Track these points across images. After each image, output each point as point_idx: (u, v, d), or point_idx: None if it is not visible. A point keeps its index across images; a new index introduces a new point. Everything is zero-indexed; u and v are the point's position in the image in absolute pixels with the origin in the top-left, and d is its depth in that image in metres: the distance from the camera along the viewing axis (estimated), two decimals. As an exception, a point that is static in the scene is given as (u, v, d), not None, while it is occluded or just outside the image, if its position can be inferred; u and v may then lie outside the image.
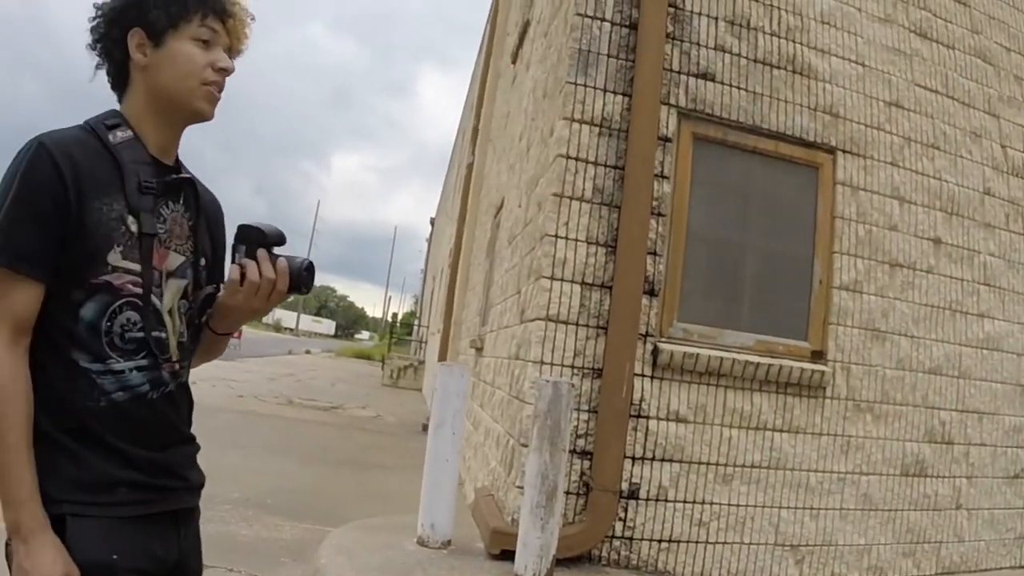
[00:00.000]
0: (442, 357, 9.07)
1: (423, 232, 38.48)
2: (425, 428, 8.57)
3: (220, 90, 1.18)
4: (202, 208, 1.23)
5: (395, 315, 36.86)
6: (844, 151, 3.90)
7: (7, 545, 0.99)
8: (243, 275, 1.13)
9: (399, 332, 36.14)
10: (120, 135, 1.12)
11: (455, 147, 21.03)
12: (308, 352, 33.43)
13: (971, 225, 4.33)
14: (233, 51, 1.22)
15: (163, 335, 1.13)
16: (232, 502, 4.46)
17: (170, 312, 1.15)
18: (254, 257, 1.14)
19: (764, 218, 3.75)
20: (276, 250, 1.16)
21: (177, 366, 1.16)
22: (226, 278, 1.20)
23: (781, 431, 3.61)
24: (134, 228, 1.08)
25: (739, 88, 3.68)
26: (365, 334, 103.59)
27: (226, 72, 1.18)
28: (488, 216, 7.23)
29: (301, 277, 1.15)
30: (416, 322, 29.90)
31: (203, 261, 1.23)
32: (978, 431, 4.25)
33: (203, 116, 1.19)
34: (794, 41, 3.90)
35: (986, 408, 4.29)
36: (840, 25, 4.07)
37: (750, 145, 3.65)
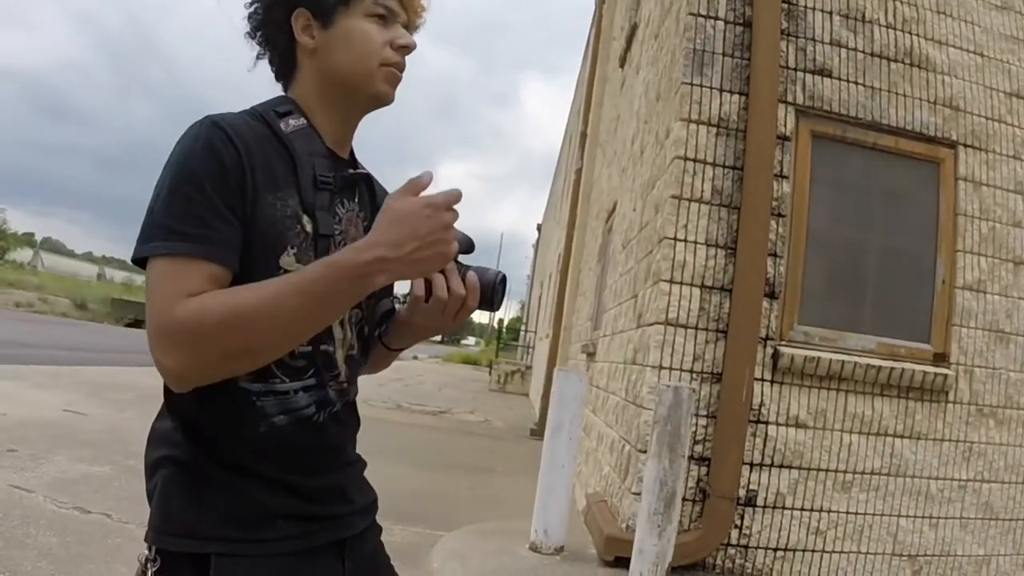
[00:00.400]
0: (551, 362, 9.07)
1: (529, 238, 38.65)
2: (533, 433, 8.79)
3: (402, 70, 1.04)
4: (378, 207, 1.02)
5: (501, 320, 37.17)
6: (965, 145, 3.80)
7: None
8: (428, 290, 1.00)
9: (506, 338, 36.34)
10: (293, 123, 0.99)
11: (561, 153, 21.04)
12: (415, 358, 33.48)
13: (1099, 219, 4.17)
14: (411, 26, 1.06)
15: (331, 348, 0.99)
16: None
17: (341, 323, 1.01)
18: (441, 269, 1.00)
19: (885, 216, 3.68)
20: (463, 258, 1.02)
21: (345, 384, 1.03)
22: (405, 291, 1.09)
23: (902, 437, 3.54)
24: (309, 228, 0.95)
25: (856, 83, 3.62)
26: (471, 340, 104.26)
27: (407, 49, 1.03)
28: (599, 221, 7.20)
29: (495, 293, 1.01)
30: (523, 327, 30.12)
31: None
32: (1107, 436, 4.10)
33: (385, 100, 1.04)
34: (910, 33, 3.81)
35: (1115, 412, 4.14)
36: (956, 14, 3.96)
37: (869, 141, 3.59)
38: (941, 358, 3.63)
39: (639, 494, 3.22)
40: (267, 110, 0.99)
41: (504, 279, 1.03)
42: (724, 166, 3.36)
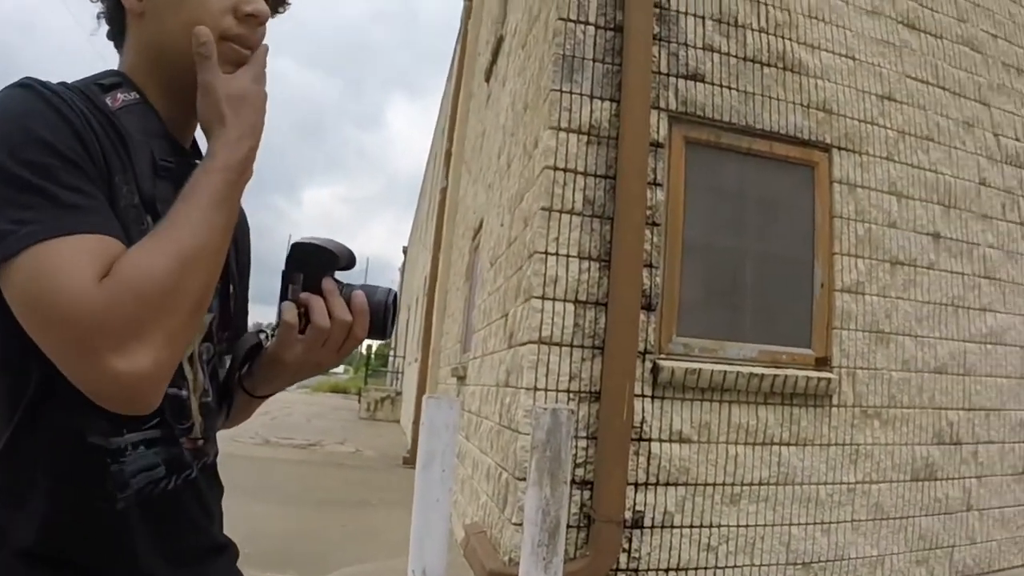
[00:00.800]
0: (421, 387, 9.01)
1: (396, 262, 38.36)
2: (406, 461, 8.64)
3: (248, 46, 0.80)
4: None
5: (369, 347, 36.60)
6: (839, 148, 3.84)
7: None
8: (305, 317, 0.82)
9: (374, 364, 35.95)
10: (122, 97, 0.77)
11: (426, 174, 21.12)
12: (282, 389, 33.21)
13: (969, 217, 4.30)
14: None
15: (183, 393, 0.77)
16: (208, 554, 4.24)
17: (190, 359, 0.78)
18: (319, 290, 0.82)
19: (762, 222, 3.67)
20: (341, 275, 0.85)
21: (200, 441, 0.80)
22: (269, 320, 0.89)
23: (788, 444, 3.53)
24: (151, 224, 0.71)
25: (730, 88, 3.60)
26: (340, 367, 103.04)
27: (256, 20, 0.80)
28: (465, 240, 7.17)
29: (387, 315, 0.84)
30: (391, 352, 29.72)
31: (231, 287, 0.89)
32: (985, 429, 4.23)
33: None
34: (783, 37, 3.83)
35: (992, 405, 4.27)
36: (828, 19, 4.02)
37: (744, 147, 3.57)
38: (823, 362, 3.64)
39: (520, 524, 3.08)
40: (87, 84, 0.76)
41: (396, 297, 0.87)
42: (596, 175, 3.27)
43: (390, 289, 0.85)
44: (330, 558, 4.31)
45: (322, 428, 14.11)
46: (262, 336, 0.92)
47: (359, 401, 20.06)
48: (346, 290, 0.84)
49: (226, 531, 0.91)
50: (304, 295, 0.84)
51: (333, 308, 0.82)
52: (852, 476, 3.71)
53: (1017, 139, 4.74)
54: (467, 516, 4.28)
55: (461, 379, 5.74)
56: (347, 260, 0.85)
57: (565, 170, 3.23)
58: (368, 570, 3.71)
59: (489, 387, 4.16)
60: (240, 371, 0.92)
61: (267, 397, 0.98)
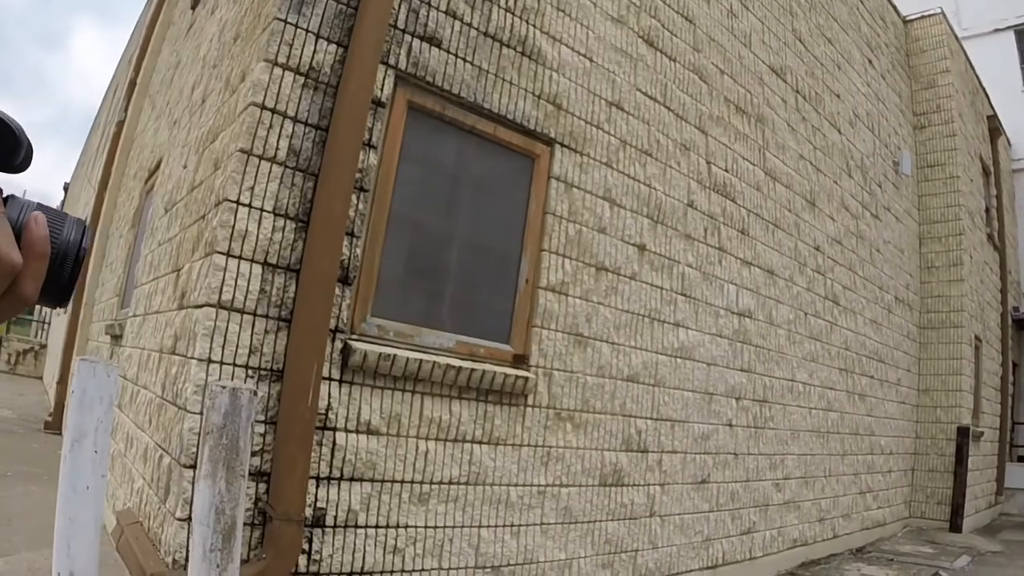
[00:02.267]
0: (70, 344, 8.54)
1: (55, 199, 35.03)
2: (48, 425, 8.21)
3: None
4: None
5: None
6: (563, 145, 4.16)
7: None
8: None
9: None
10: None
11: (103, 106, 19.98)
12: (-102, 334, 28.35)
13: (674, 235, 4.90)
14: None
15: None
16: None
17: None
18: None
19: (474, 206, 3.87)
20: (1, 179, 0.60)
21: None
22: None
23: (481, 443, 3.71)
24: None
25: (465, 60, 3.73)
26: None
27: None
28: (137, 181, 6.86)
29: (75, 268, 0.59)
30: None
31: None
32: (670, 439, 4.83)
33: None
34: (527, 22, 4.07)
35: (678, 416, 4.89)
36: (575, 15, 4.35)
37: (468, 124, 3.72)
38: (521, 360, 3.89)
39: (186, 520, 2.91)
40: None
41: (88, 236, 0.59)
42: (307, 123, 3.19)
43: (81, 221, 0.58)
44: None
45: (-50, 383, 12.73)
46: None
47: (-1, 352, 18.52)
48: (14, 209, 0.56)
49: None
50: None
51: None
52: (543, 478, 3.99)
53: (726, 170, 5.51)
54: (118, 500, 3.91)
55: (116, 338, 5.40)
56: (25, 151, 0.58)
57: (274, 111, 3.10)
58: (3, 568, 3.19)
59: (151, 352, 3.83)
60: None
61: None
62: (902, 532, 9.03)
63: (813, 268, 6.82)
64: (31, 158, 0.58)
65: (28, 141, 0.59)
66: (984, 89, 12.33)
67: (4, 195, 0.56)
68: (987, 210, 11.80)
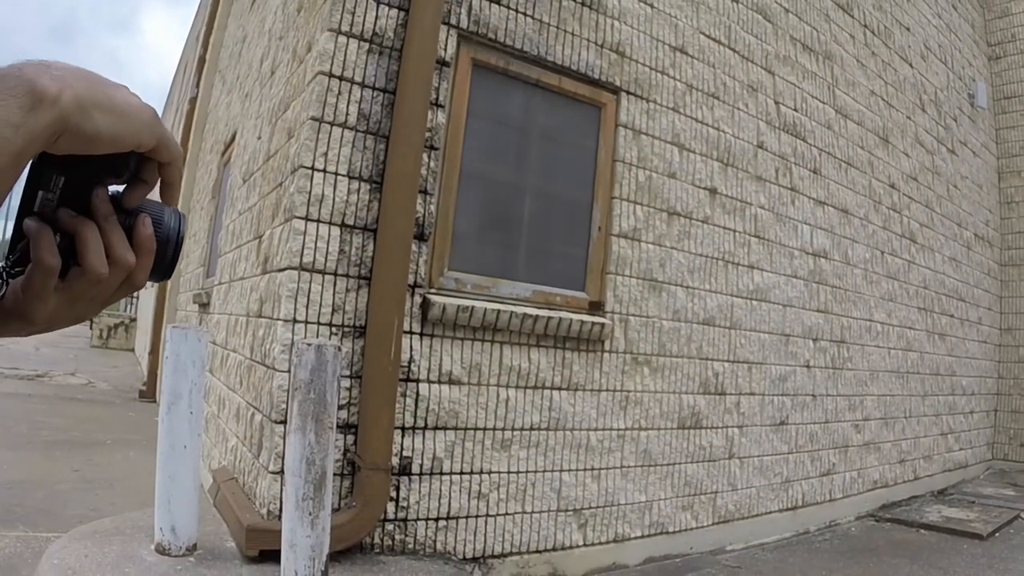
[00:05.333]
0: (159, 314, 8.88)
1: None
2: (142, 395, 8.67)
3: None
4: None
5: None
6: (628, 92, 4.01)
7: None
8: (69, 255, 0.56)
9: None
10: None
11: (174, 84, 20.26)
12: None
13: (744, 177, 4.70)
14: None
15: None
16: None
17: None
18: (88, 209, 0.56)
19: (543, 158, 3.78)
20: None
21: None
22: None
23: (560, 389, 3.67)
24: None
25: (526, 15, 3.62)
26: None
27: None
28: (214, 154, 6.95)
29: (177, 252, 0.64)
30: None
31: None
32: (747, 381, 4.69)
33: None
34: (583, -31, 3.88)
35: (754, 358, 4.74)
36: (631, -40, 4.13)
37: (533, 77, 3.62)
38: (597, 307, 3.81)
39: (278, 472, 2.97)
40: None
41: (184, 223, 0.64)
42: (375, 88, 3.15)
43: (178, 212, 0.63)
44: (62, 510, 4.01)
45: (51, 357, 13.38)
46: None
47: (91, 327, 19.36)
48: (130, 218, 0.58)
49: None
50: (66, 215, 0.55)
51: (112, 243, 0.57)
52: (622, 422, 3.93)
53: (795, 109, 5.23)
54: (213, 459, 4.05)
55: (204, 306, 5.52)
56: (135, 162, 0.58)
57: (341, 78, 3.06)
58: (109, 527, 3.40)
59: (238, 316, 3.91)
60: None
61: None
62: (984, 474, 8.61)
63: (888, 206, 6.46)
64: (155, 175, 0.61)
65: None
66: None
67: (117, 198, 0.59)
68: (1071, 140, 10.96)
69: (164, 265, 0.62)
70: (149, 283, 0.64)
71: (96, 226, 0.56)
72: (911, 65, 7.16)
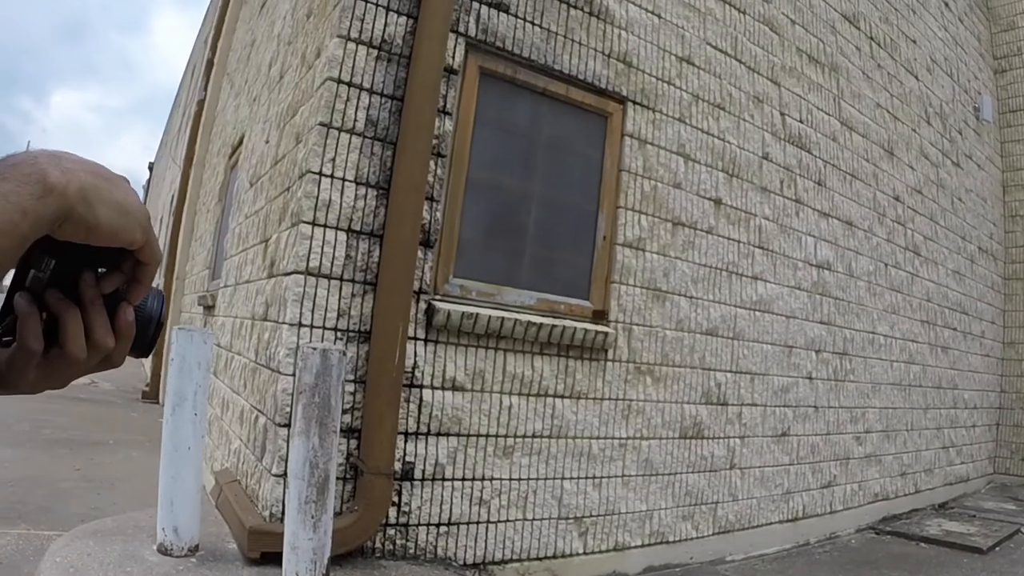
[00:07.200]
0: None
1: (141, 178, 36.48)
2: (145, 395, 8.71)
3: None
4: None
5: None
6: (634, 102, 4.03)
7: None
8: (46, 337, 0.59)
9: None
10: None
11: (182, 85, 20.39)
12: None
13: (749, 188, 4.72)
14: None
15: None
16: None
17: None
18: (75, 293, 0.59)
19: (549, 167, 3.81)
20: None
21: None
22: None
23: (563, 397, 3.69)
24: None
25: (533, 23, 3.65)
26: None
27: None
28: (221, 157, 7.00)
29: (156, 334, 0.67)
30: None
31: None
32: (750, 391, 4.70)
33: None
34: (592, -20, 3.91)
35: (757, 369, 4.75)
36: (638, -29, 4.16)
37: (540, 86, 3.65)
38: (601, 315, 3.83)
39: (281, 475, 2.99)
40: None
41: (163, 304, 0.67)
42: (383, 95, 3.17)
43: (160, 293, 0.66)
44: (64, 509, 4.04)
45: (54, 356, 13.61)
46: None
47: (94, 327, 19.37)
48: (113, 299, 0.61)
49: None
50: (53, 297, 0.57)
51: (93, 328, 0.60)
52: (624, 431, 3.94)
53: (801, 121, 5.26)
54: (216, 461, 4.06)
55: (209, 308, 5.56)
56: (133, 261, 0.61)
57: (350, 84, 3.09)
58: (111, 527, 3.42)
59: (243, 319, 3.93)
60: None
61: None
62: (985, 488, 8.59)
63: (893, 218, 6.47)
64: (151, 273, 0.63)
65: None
66: (1072, 27, 11.38)
67: (101, 280, 0.61)
68: (1077, 154, 10.97)
69: (144, 343, 0.66)
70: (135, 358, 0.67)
71: (79, 311, 0.59)
72: (917, 78, 7.18)
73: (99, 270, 0.59)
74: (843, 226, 5.68)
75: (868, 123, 6.16)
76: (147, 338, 0.65)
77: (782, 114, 5.12)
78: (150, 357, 9.55)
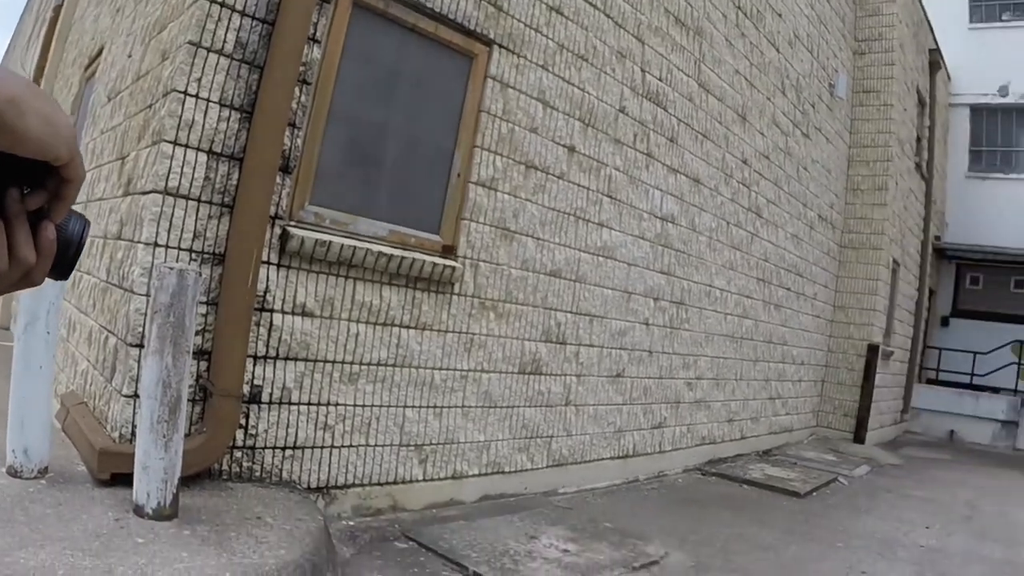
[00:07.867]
0: None
1: None
2: None
3: None
4: None
5: None
6: (501, 46, 4.51)
7: None
8: None
9: None
10: None
11: None
12: None
13: (604, 138, 5.36)
14: None
15: None
16: None
17: None
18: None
19: (411, 102, 4.25)
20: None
21: None
22: None
23: (409, 327, 4.19)
24: None
25: (406, -43, 3.97)
26: None
27: None
28: (76, 68, 6.89)
29: (76, 256, 0.73)
30: None
31: None
32: (588, 333, 5.41)
33: None
34: (468, -81, 4.29)
35: (596, 312, 5.47)
36: (516, -85, 4.58)
37: (410, 22, 4.04)
38: (449, 250, 4.36)
39: (132, 396, 3.21)
40: None
41: (87, 227, 0.74)
42: (254, 17, 3.47)
43: (83, 218, 0.72)
44: None
45: None
46: None
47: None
48: (36, 215, 0.67)
49: None
50: None
51: (17, 243, 0.66)
52: (466, 364, 4.52)
53: (660, 79, 5.94)
54: (60, 384, 4.24)
55: None
56: (58, 179, 0.66)
57: (222, 5, 3.37)
58: None
59: (94, 238, 4.15)
60: None
61: None
62: (808, 439, 10.02)
63: (739, 180, 7.39)
64: (79, 178, 0.69)
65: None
66: (929, 22, 12.90)
67: (23, 195, 0.67)
68: (918, 140, 12.58)
69: (64, 265, 0.71)
70: (54, 280, 0.74)
71: (2, 224, 0.64)
72: (778, 50, 8.10)
73: (24, 189, 0.65)
74: (690, 183, 6.50)
75: (725, 88, 6.97)
76: (67, 259, 0.70)
77: (643, 71, 5.77)
78: None
